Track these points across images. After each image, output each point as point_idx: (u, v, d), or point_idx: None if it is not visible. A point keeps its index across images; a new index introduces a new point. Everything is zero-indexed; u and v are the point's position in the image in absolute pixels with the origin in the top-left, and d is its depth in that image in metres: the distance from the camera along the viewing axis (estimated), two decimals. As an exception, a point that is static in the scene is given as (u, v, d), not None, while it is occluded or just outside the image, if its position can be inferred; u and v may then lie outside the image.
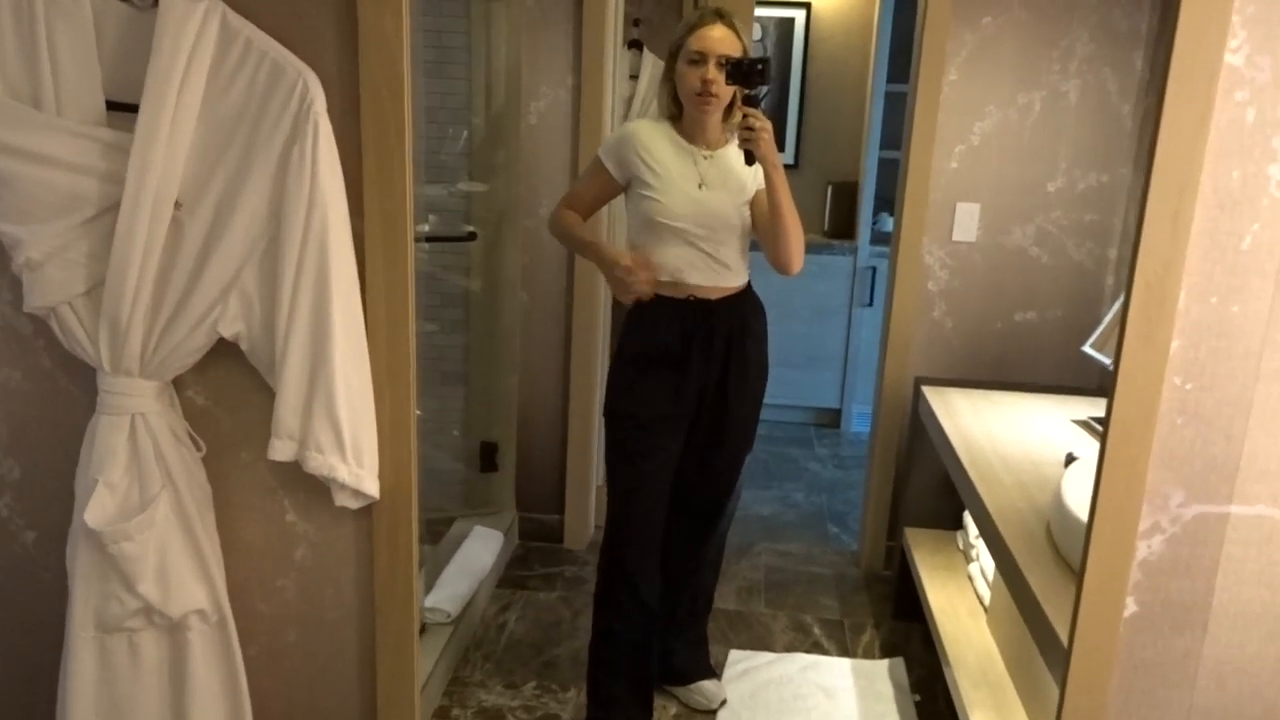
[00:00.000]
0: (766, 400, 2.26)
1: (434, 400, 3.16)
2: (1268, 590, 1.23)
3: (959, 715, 2.13)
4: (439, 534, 3.05)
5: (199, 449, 1.31)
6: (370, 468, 1.28)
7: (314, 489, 1.34)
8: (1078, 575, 1.27)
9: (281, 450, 1.25)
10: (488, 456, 3.16)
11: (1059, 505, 1.89)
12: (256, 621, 1.40)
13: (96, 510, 1.21)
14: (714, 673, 2.49)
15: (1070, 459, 2.14)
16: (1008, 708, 2.08)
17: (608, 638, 2.22)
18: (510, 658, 2.65)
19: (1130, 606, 1.26)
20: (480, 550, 2.90)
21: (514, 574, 3.06)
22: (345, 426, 1.23)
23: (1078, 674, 1.28)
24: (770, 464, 3.95)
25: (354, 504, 1.30)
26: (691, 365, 2.08)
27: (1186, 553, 1.23)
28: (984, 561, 2.47)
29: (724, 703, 2.43)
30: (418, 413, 3.19)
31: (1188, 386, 1.19)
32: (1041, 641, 1.72)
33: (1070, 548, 1.80)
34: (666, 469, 2.14)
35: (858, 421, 4.30)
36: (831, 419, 4.36)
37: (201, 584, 1.30)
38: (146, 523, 1.23)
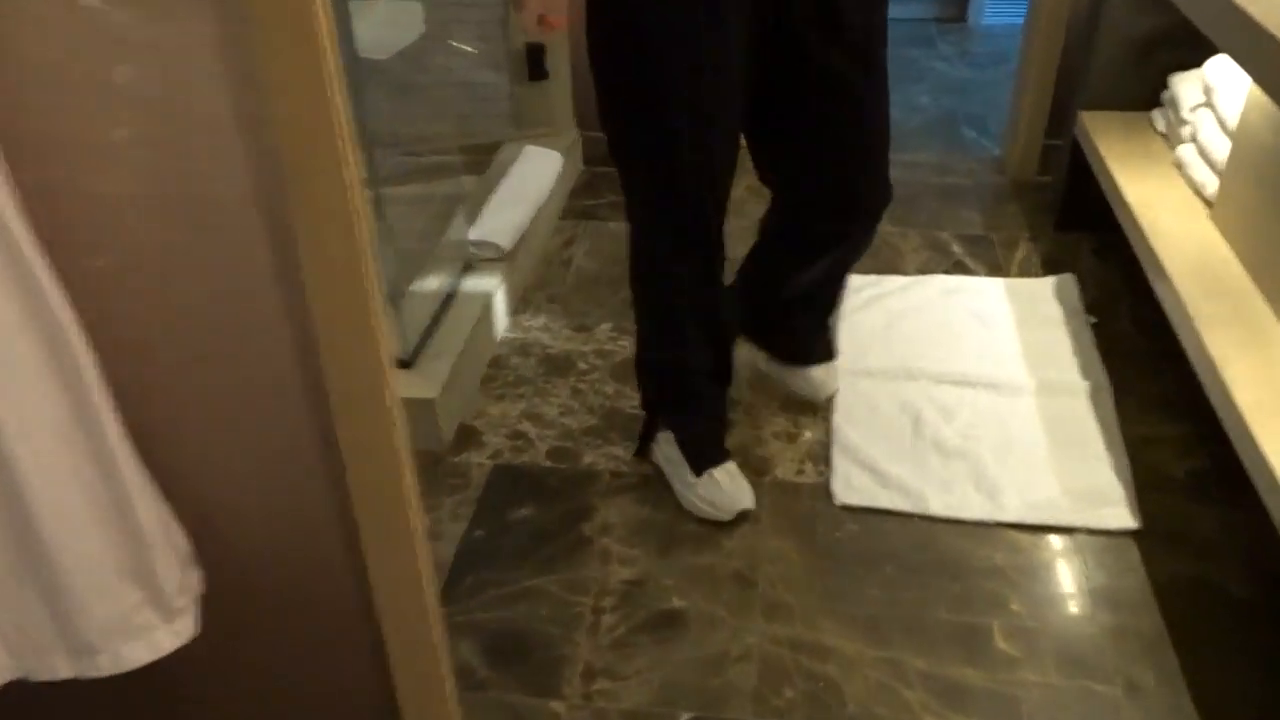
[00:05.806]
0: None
1: None
2: None
3: (1179, 334, 1.59)
4: (484, 163, 2.49)
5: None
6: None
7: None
8: None
9: None
10: (535, 60, 2.52)
11: None
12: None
13: None
14: (831, 353, 1.86)
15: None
16: (1256, 320, 1.53)
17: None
18: (579, 297, 2.18)
19: None
20: (535, 173, 2.35)
21: (579, 204, 2.53)
22: None
23: None
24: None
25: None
26: None
27: None
28: (1205, 138, 1.83)
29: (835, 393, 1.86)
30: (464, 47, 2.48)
31: None
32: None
33: None
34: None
35: (990, 12, 3.47)
36: (956, 11, 3.54)
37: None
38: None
